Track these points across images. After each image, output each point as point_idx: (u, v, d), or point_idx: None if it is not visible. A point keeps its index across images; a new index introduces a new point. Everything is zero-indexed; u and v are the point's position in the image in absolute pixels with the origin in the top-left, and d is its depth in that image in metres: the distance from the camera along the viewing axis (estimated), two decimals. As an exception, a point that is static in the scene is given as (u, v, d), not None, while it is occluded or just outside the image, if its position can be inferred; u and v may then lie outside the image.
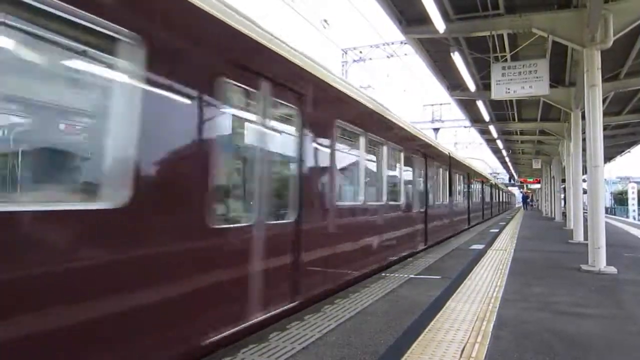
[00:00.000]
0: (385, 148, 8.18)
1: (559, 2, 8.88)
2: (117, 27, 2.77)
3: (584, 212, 12.97)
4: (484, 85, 13.79)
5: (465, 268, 7.75)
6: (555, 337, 4.02)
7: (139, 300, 2.92)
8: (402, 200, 9.29)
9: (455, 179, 15.65)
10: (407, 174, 9.67)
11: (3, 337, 2.23)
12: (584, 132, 8.75)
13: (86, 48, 2.81)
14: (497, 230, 17.03)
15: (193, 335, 3.43)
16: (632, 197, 40.59)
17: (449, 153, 14.87)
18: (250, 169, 4.29)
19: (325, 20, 18.83)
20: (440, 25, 8.84)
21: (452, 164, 14.80)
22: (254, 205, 4.24)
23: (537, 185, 49.72)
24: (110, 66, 2.97)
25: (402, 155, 9.21)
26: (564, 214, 21.29)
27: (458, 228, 16.06)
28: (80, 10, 2.55)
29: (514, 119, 19.81)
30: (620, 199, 56.92)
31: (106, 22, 2.70)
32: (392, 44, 22.41)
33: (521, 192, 74.27)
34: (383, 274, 7.06)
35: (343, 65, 23.50)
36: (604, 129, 8.67)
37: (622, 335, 4.20)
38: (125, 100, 2.92)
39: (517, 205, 71.20)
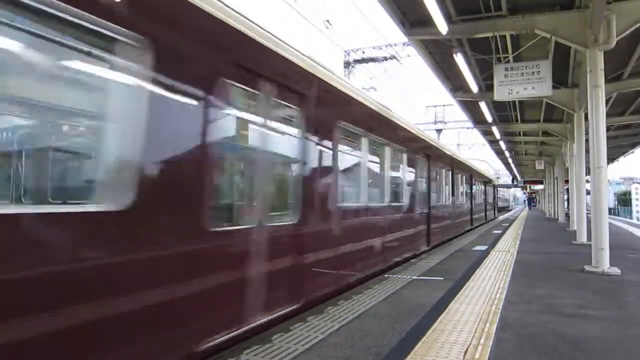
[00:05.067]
0: (430, 164, 11.51)
1: (561, 3, 8.86)
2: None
3: (587, 213, 12.92)
4: (487, 86, 13.77)
5: (468, 269, 7.75)
6: (558, 339, 4.02)
7: (343, 250, 6.15)
8: (435, 200, 12.35)
9: (470, 184, 19.08)
10: (440, 181, 13.20)
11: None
12: (587, 133, 8.69)
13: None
14: (500, 232, 17.00)
15: (351, 274, 6.50)
16: (635, 197, 40.38)
17: (470, 166, 18.91)
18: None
19: (328, 21, 18.80)
20: (442, 26, 8.83)
21: (472, 175, 18.71)
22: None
23: (540, 186, 49.69)
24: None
25: (448, 170, 13.78)
26: (567, 215, 21.21)
27: (465, 227, 18.95)
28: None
29: (516, 120, 19.76)
30: (624, 200, 56.76)
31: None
32: (395, 45, 22.38)
33: (524, 192, 74.44)
34: (386, 275, 7.08)
35: (346, 67, 23.46)
36: (607, 129, 8.66)
37: (625, 337, 4.19)
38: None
39: (515, 208, 71.44)
